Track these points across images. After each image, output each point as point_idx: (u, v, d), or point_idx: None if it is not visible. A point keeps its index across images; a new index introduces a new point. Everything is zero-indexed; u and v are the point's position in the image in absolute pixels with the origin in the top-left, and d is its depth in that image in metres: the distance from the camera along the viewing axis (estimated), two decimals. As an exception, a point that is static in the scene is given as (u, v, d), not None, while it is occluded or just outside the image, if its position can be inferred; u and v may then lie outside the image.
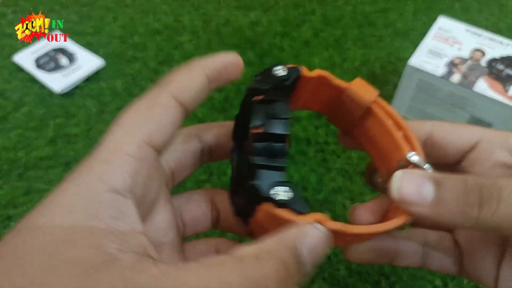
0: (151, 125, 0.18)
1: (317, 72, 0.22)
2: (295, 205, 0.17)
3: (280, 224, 0.17)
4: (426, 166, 0.21)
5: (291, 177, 0.43)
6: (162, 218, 0.21)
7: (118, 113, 0.19)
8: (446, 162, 0.24)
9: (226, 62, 0.21)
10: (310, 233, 0.17)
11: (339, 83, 0.23)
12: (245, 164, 0.19)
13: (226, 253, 0.15)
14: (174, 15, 0.62)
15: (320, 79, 0.23)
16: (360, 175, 0.44)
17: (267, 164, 0.18)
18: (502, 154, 0.22)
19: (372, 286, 0.36)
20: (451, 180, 0.19)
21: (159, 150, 0.19)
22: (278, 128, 0.18)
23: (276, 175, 0.18)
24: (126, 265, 0.14)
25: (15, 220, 0.40)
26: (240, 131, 0.23)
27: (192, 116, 0.49)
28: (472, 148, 0.23)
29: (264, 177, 0.18)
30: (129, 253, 0.15)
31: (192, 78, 0.20)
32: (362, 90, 0.23)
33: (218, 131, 0.25)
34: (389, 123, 0.23)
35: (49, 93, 0.51)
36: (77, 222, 0.15)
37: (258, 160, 0.18)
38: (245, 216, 0.21)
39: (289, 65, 0.22)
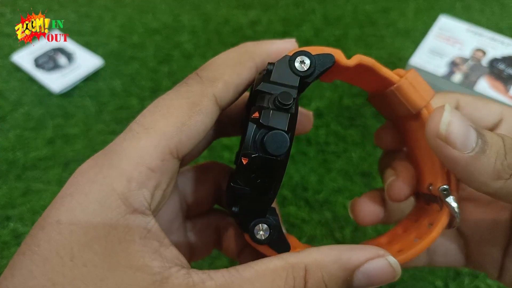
0: (183, 135, 0.16)
1: (357, 60, 0.18)
2: (274, 245, 0.17)
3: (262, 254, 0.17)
4: (453, 203, 0.19)
5: (291, 177, 0.43)
6: (171, 207, 0.21)
7: (142, 110, 0.17)
8: None
9: (282, 49, 0.18)
10: (376, 262, 0.16)
11: (388, 74, 0.19)
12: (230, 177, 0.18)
13: (278, 257, 0.16)
14: (173, 15, 0.62)
15: (362, 67, 0.18)
16: (360, 176, 0.43)
17: (251, 197, 0.16)
18: None
19: (373, 287, 0.36)
20: (494, 136, 0.17)
21: (183, 158, 0.17)
22: (266, 166, 0.15)
23: (259, 209, 0.17)
24: (178, 282, 0.14)
25: (14, 220, 0.40)
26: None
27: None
28: (495, 126, 0.21)
29: (247, 210, 0.16)
30: (173, 268, 0.15)
31: (241, 76, 0.17)
32: (414, 91, 0.19)
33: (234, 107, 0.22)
34: None
35: (48, 93, 0.51)
36: (112, 247, 0.14)
37: (242, 190, 0.16)
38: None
39: (318, 49, 0.17)
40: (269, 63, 0.17)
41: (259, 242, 0.17)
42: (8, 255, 0.38)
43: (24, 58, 0.54)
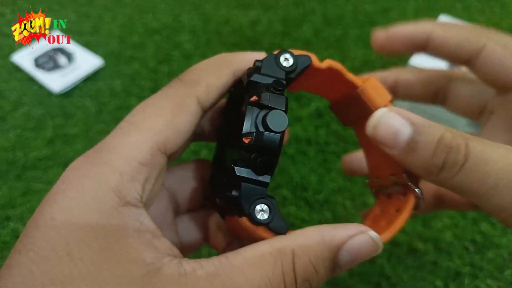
0: (170, 132, 0.17)
1: (328, 63, 0.20)
2: (273, 226, 0.17)
3: (255, 239, 0.17)
4: (417, 190, 0.20)
5: (291, 177, 0.43)
6: (161, 205, 0.21)
7: (131, 109, 0.17)
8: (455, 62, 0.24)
9: (255, 58, 0.20)
10: (358, 239, 0.16)
11: (352, 79, 0.21)
12: (232, 156, 0.18)
13: (266, 243, 0.16)
14: (173, 15, 0.62)
15: (331, 71, 0.21)
16: (360, 176, 0.43)
17: (252, 178, 0.17)
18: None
19: (373, 287, 0.36)
20: (430, 131, 0.18)
21: (170, 155, 0.18)
22: (269, 144, 0.17)
23: (258, 191, 0.17)
24: (171, 272, 0.15)
25: (14, 220, 0.40)
26: (231, 114, 0.22)
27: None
28: (474, 56, 0.22)
29: (247, 192, 0.17)
30: (165, 259, 0.15)
31: (220, 81, 0.19)
32: (376, 93, 0.21)
33: (211, 113, 0.23)
34: None
35: (48, 93, 0.51)
36: (106, 241, 0.15)
37: (243, 172, 0.17)
38: (221, 212, 0.21)
39: (298, 52, 0.19)
40: (257, 60, 0.19)
41: (260, 222, 0.17)
42: (8, 254, 0.38)
43: (24, 58, 0.54)
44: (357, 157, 0.25)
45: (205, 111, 0.19)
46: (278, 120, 0.17)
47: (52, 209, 0.15)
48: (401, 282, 0.37)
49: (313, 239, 0.16)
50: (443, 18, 0.52)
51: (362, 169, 0.25)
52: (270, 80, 0.18)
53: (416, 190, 0.20)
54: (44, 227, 0.15)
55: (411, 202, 0.20)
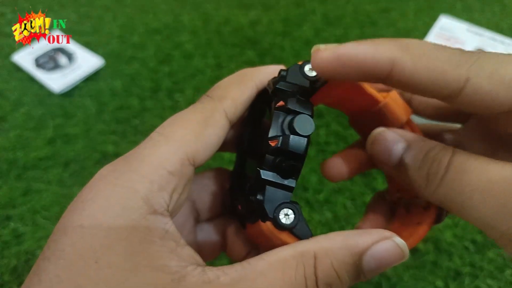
0: (199, 144, 0.18)
1: None
2: (297, 231, 0.17)
3: (277, 244, 0.17)
4: None
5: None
6: (182, 212, 0.22)
7: (163, 122, 0.18)
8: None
9: (276, 71, 0.20)
10: (383, 244, 0.16)
11: (373, 93, 0.21)
12: (252, 166, 0.19)
13: (288, 247, 0.16)
14: (173, 15, 0.62)
15: (352, 84, 0.20)
16: (360, 175, 0.43)
17: (277, 182, 0.17)
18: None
19: (374, 287, 0.36)
20: (419, 146, 0.18)
21: (198, 166, 0.18)
22: (295, 147, 0.17)
23: (283, 196, 0.17)
24: (195, 280, 0.15)
25: (14, 220, 0.40)
26: (251, 125, 0.22)
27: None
28: (459, 91, 0.16)
29: (272, 196, 0.17)
30: (189, 267, 0.15)
31: (245, 94, 0.20)
32: (398, 107, 0.21)
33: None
34: None
35: (48, 93, 0.51)
36: (133, 248, 0.15)
37: (268, 175, 0.17)
38: (242, 219, 0.21)
39: None
40: (282, 70, 0.19)
41: (284, 227, 0.17)
42: (9, 254, 0.38)
43: (24, 58, 0.54)
44: (335, 162, 0.24)
45: (232, 124, 0.20)
46: (305, 124, 0.17)
47: (81, 216, 0.15)
48: (401, 282, 0.37)
49: (335, 243, 0.16)
50: (443, 18, 0.52)
51: (342, 174, 0.24)
52: (295, 88, 0.18)
53: None
54: (73, 234, 0.15)
55: (432, 214, 0.21)
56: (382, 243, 0.16)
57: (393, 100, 0.21)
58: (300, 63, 0.19)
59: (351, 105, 0.23)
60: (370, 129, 0.23)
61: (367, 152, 0.19)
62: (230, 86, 0.20)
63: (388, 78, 0.16)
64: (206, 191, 0.24)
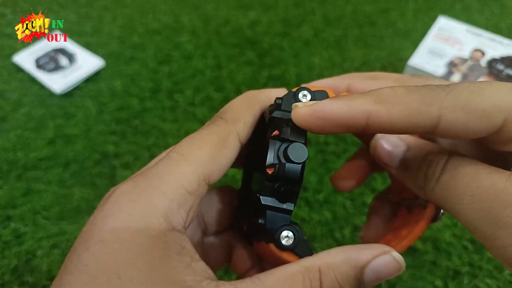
0: (215, 165, 0.19)
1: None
2: (298, 250, 0.18)
3: (282, 262, 0.18)
4: None
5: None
6: (192, 226, 0.23)
7: (179, 141, 0.19)
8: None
9: (278, 94, 0.22)
10: (382, 259, 0.18)
11: None
12: (259, 178, 0.20)
13: (295, 263, 0.17)
14: (173, 15, 0.62)
15: None
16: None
17: (276, 206, 0.18)
18: None
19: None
20: (419, 148, 0.19)
21: (211, 185, 0.20)
22: (291, 174, 0.18)
23: (283, 218, 0.19)
24: None
25: (15, 220, 0.40)
26: (256, 142, 0.23)
27: (191, 116, 0.49)
28: (434, 128, 0.17)
29: (272, 220, 0.19)
30: (204, 282, 0.16)
31: (253, 116, 0.21)
32: None
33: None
34: None
35: (49, 93, 0.51)
36: (153, 263, 0.16)
37: (268, 201, 0.18)
38: (248, 238, 0.22)
39: (314, 88, 0.20)
40: (277, 98, 0.20)
41: (285, 248, 0.18)
42: (9, 254, 0.38)
43: (25, 58, 0.54)
44: (344, 175, 0.26)
45: (242, 145, 0.21)
46: (298, 152, 0.18)
47: (102, 232, 0.16)
48: (400, 282, 0.37)
49: (338, 258, 0.17)
50: (442, 19, 0.52)
51: (352, 185, 0.26)
52: (290, 116, 0.19)
53: None
54: (95, 249, 0.16)
55: (429, 213, 0.22)
56: (382, 257, 0.17)
57: None
58: (294, 90, 0.20)
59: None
60: (371, 134, 0.23)
61: (371, 155, 0.20)
62: (241, 109, 0.21)
63: (365, 128, 0.17)
64: (214, 206, 0.25)
